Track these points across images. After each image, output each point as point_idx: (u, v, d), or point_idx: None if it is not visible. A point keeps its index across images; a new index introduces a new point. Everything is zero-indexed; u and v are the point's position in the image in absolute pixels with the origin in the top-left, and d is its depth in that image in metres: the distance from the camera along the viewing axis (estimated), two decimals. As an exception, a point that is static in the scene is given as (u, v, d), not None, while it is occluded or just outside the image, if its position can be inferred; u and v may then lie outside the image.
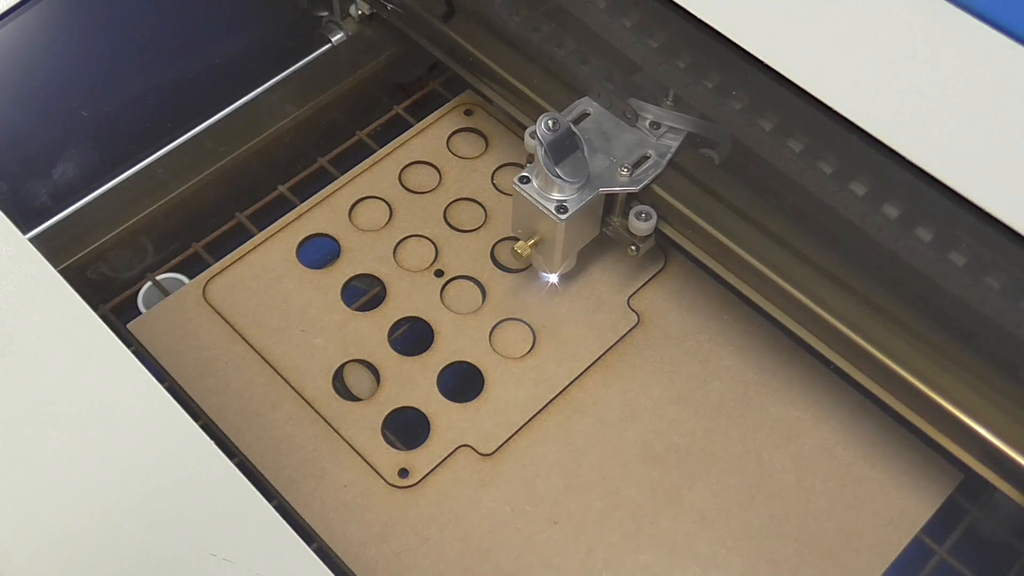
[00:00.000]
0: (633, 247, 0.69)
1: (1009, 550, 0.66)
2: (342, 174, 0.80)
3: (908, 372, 0.60)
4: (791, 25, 0.57)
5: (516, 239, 0.77)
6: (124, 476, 0.49)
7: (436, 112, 0.84)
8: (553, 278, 0.74)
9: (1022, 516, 0.67)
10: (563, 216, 0.66)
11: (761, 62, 0.56)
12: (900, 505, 0.66)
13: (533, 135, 0.65)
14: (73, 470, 0.49)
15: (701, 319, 0.73)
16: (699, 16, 0.58)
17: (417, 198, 0.79)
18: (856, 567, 0.63)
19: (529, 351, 0.72)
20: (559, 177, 0.65)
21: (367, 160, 0.81)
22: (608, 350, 0.72)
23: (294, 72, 0.84)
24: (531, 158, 0.68)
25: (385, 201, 0.79)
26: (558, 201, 0.66)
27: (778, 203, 0.66)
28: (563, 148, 0.65)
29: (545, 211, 0.66)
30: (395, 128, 0.84)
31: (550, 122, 0.64)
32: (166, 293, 0.75)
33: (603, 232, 0.71)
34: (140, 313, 0.74)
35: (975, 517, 0.67)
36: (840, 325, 0.61)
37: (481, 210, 0.79)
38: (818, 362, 0.71)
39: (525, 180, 0.67)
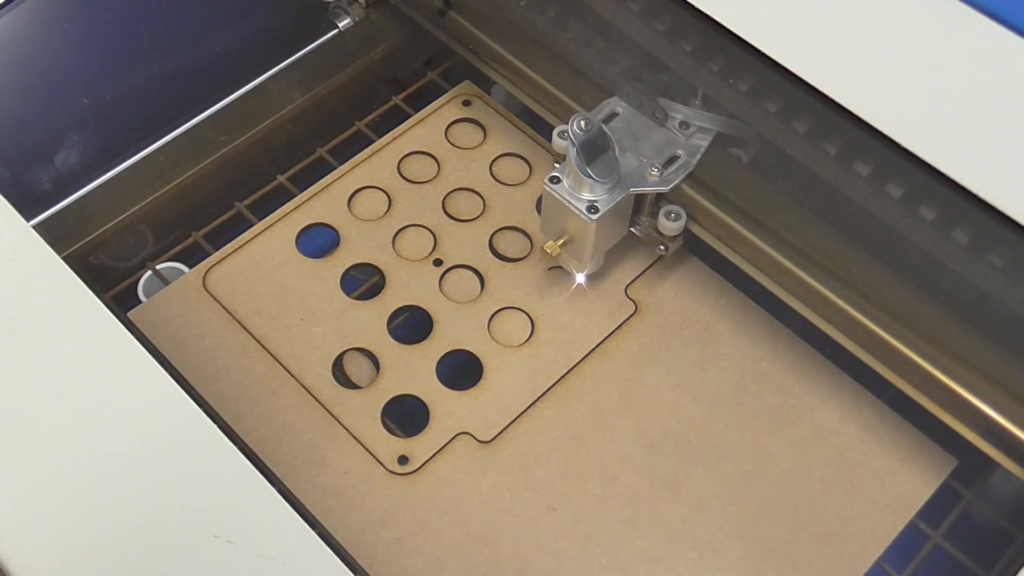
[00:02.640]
0: (662, 247, 0.70)
1: (1003, 534, 0.67)
2: (341, 164, 0.81)
3: (911, 350, 0.61)
4: (809, 28, 0.57)
5: (514, 228, 0.78)
6: (128, 460, 0.49)
7: (435, 103, 0.84)
8: (580, 278, 0.74)
9: (1016, 501, 0.67)
10: (594, 216, 0.66)
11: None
12: (895, 490, 0.66)
13: (563, 135, 0.65)
14: (78, 454, 0.49)
15: (698, 307, 0.74)
16: (719, 20, 0.58)
17: (416, 188, 0.80)
18: (852, 551, 0.64)
19: (527, 339, 0.72)
20: (591, 177, 0.65)
21: (366, 150, 0.81)
22: (606, 338, 0.72)
23: (299, 59, 0.84)
24: (559, 159, 0.67)
25: (384, 191, 0.79)
26: (589, 201, 0.66)
27: (806, 200, 0.66)
28: (595, 148, 0.65)
29: (576, 211, 0.66)
30: (394, 118, 0.85)
31: (582, 122, 0.63)
32: (166, 282, 0.75)
33: (631, 232, 0.71)
34: (140, 302, 0.74)
35: (969, 502, 0.68)
36: (876, 326, 0.62)
37: (479, 200, 0.79)
38: (814, 350, 0.71)
39: (555, 180, 0.67)
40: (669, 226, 0.68)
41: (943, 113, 0.53)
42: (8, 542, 0.47)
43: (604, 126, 0.65)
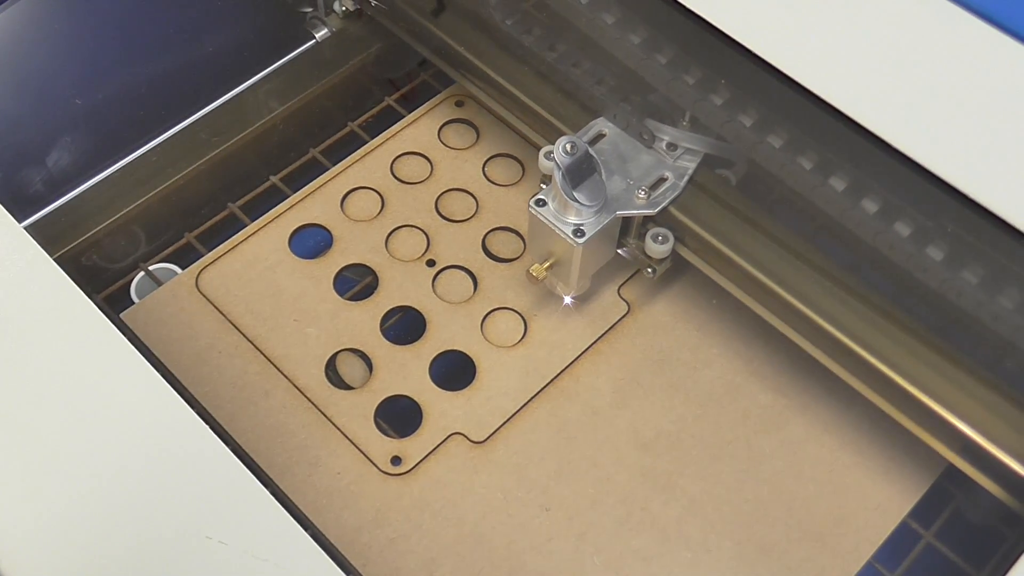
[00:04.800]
0: (649, 269, 0.69)
1: (994, 534, 0.67)
2: (334, 165, 0.81)
3: (891, 369, 0.61)
4: (802, 28, 0.57)
5: (507, 229, 0.78)
6: (121, 460, 0.49)
7: (427, 103, 0.85)
8: (568, 300, 0.73)
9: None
10: (580, 240, 0.65)
11: (776, 80, 0.56)
12: (887, 490, 0.66)
13: (549, 156, 0.64)
14: (70, 456, 0.49)
15: (691, 308, 0.74)
16: (706, 17, 0.58)
17: (409, 188, 0.80)
18: (844, 551, 0.64)
19: (520, 340, 0.72)
20: (576, 201, 0.64)
21: (359, 151, 0.82)
22: (599, 338, 0.72)
23: (281, 66, 0.84)
24: (546, 179, 0.67)
25: (377, 191, 0.79)
26: (575, 225, 0.65)
27: (793, 222, 0.66)
28: (581, 172, 0.64)
29: (562, 235, 0.65)
30: (387, 119, 0.85)
31: (568, 145, 0.62)
32: (159, 283, 0.75)
33: (619, 253, 0.70)
34: (133, 303, 0.74)
35: (961, 502, 0.68)
36: (861, 349, 0.62)
37: (472, 200, 0.79)
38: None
39: (541, 203, 0.66)
40: (657, 249, 0.67)
41: (935, 114, 0.54)
42: (0, 543, 0.47)
43: (590, 148, 0.64)
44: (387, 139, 0.82)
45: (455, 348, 0.72)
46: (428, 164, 0.81)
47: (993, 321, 0.56)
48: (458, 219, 0.78)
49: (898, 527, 0.65)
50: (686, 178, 0.67)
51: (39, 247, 0.55)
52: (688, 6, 0.58)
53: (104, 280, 0.76)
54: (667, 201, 0.66)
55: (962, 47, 0.55)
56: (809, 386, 0.70)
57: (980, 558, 0.66)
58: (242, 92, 0.83)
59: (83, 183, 0.76)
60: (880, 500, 0.66)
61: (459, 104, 0.84)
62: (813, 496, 0.66)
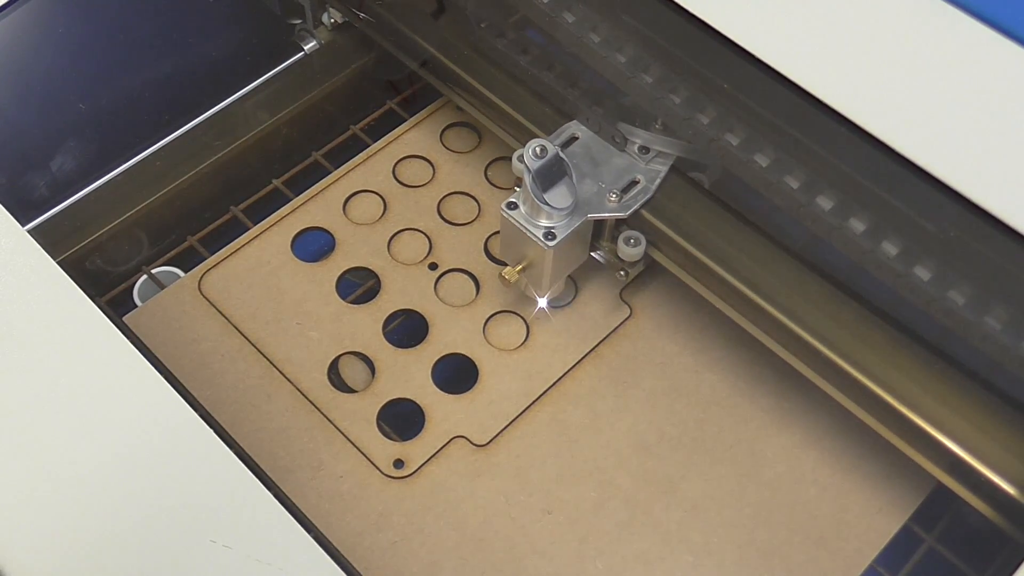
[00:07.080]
0: (622, 272, 0.69)
1: (997, 538, 0.67)
2: (336, 168, 0.81)
3: (879, 386, 0.61)
4: (793, 24, 0.57)
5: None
6: (124, 464, 0.49)
7: (429, 107, 0.85)
8: (542, 302, 0.74)
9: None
10: (551, 243, 0.65)
11: (753, 88, 0.56)
12: (889, 494, 0.66)
13: (521, 159, 0.65)
14: (74, 459, 0.49)
15: (693, 311, 0.74)
16: (696, 14, 0.58)
17: (411, 192, 0.80)
18: (846, 555, 0.64)
19: (523, 343, 0.72)
20: (546, 204, 0.64)
21: (361, 154, 0.82)
22: (601, 342, 0.72)
23: (278, 73, 0.84)
24: (519, 182, 0.67)
25: (379, 195, 0.80)
26: (546, 228, 0.65)
27: (769, 224, 0.65)
28: (551, 175, 0.64)
29: (533, 238, 0.65)
30: (389, 122, 0.85)
31: (538, 148, 0.63)
32: (162, 286, 0.75)
33: (591, 257, 0.70)
34: (136, 306, 0.74)
35: (963, 506, 0.68)
36: (832, 353, 0.62)
37: (474, 204, 0.79)
38: (808, 353, 0.71)
39: (513, 206, 0.66)
40: (629, 252, 0.67)
41: (934, 116, 0.54)
42: (4, 546, 0.47)
43: (561, 152, 0.64)
44: (389, 142, 0.82)
45: (457, 351, 0.72)
46: (430, 167, 0.81)
47: (982, 341, 0.56)
48: (460, 222, 0.78)
49: (900, 531, 0.65)
50: (658, 181, 0.67)
51: (43, 250, 0.55)
52: (681, 4, 0.58)
53: (107, 283, 0.76)
54: (639, 204, 0.66)
55: (960, 48, 0.55)
56: (811, 390, 0.70)
57: (982, 562, 0.66)
58: (244, 96, 0.83)
59: (86, 187, 0.77)
60: (882, 504, 0.66)
61: (461, 107, 0.84)
62: (815, 500, 0.66)
